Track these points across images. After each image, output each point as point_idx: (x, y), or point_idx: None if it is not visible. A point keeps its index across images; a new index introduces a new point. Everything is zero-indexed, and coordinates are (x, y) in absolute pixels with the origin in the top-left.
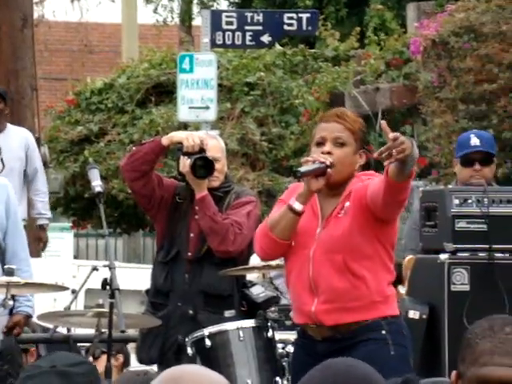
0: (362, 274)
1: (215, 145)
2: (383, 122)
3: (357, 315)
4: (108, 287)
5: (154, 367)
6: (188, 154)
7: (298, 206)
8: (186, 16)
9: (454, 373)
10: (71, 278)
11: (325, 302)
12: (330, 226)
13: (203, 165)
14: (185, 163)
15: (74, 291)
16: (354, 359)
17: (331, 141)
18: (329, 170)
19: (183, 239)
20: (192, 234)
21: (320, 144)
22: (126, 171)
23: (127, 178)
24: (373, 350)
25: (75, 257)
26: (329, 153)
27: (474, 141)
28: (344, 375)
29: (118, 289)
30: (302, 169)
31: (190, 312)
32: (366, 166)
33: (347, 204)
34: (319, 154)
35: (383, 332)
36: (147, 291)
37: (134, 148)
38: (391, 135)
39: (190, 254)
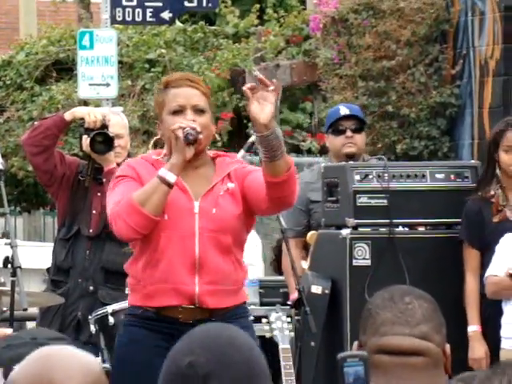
0: (239, 258)
1: (118, 121)
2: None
3: (233, 298)
4: (10, 265)
5: None
6: (89, 130)
7: (171, 178)
8: None
9: (355, 343)
10: None
11: (210, 282)
12: (219, 204)
13: (102, 140)
14: (86, 141)
15: None
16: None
17: (191, 108)
18: (200, 136)
19: (85, 216)
20: (94, 211)
21: (178, 112)
22: (27, 145)
23: (28, 153)
24: None
25: None
26: (193, 121)
27: (344, 110)
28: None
29: (20, 267)
30: (190, 136)
31: (91, 288)
32: None
33: (231, 185)
34: (188, 121)
35: (249, 318)
36: (48, 269)
37: (36, 122)
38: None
39: (91, 230)
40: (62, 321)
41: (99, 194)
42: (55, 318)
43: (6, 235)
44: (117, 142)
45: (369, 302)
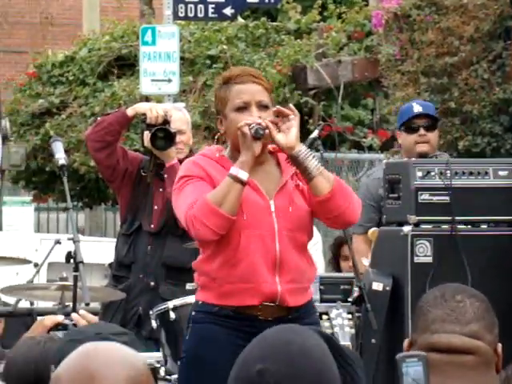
0: (311, 255)
1: (181, 117)
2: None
3: (306, 295)
4: (72, 260)
5: None
6: (151, 126)
7: (243, 175)
8: None
9: (406, 340)
10: (33, 252)
11: (290, 281)
12: (294, 202)
13: (164, 136)
14: (148, 137)
15: (36, 265)
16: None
17: (255, 104)
18: (267, 131)
19: (147, 212)
20: (156, 207)
21: (242, 109)
22: (90, 141)
23: (91, 148)
24: None
25: (36, 230)
26: (259, 118)
27: (417, 108)
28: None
29: (82, 262)
30: (260, 130)
31: (152, 284)
32: (328, 140)
33: (301, 184)
34: (253, 117)
35: (317, 314)
36: (110, 264)
37: (99, 118)
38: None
39: (152, 226)
40: (124, 316)
41: (161, 189)
42: (117, 312)
43: (81, 231)
44: (179, 138)
45: (420, 300)
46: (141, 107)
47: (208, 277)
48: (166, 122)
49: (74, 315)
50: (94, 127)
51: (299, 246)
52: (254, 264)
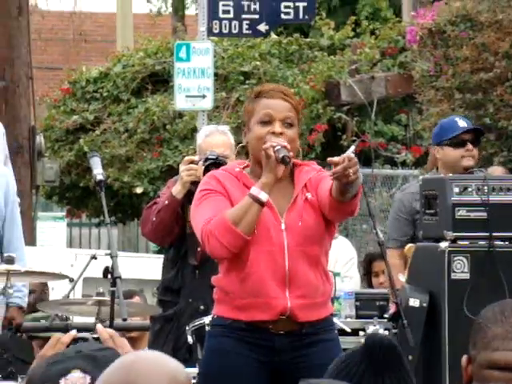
0: (326, 269)
1: (225, 141)
2: (330, 159)
3: (322, 311)
4: (109, 275)
5: None
6: (205, 160)
7: (264, 197)
8: (179, 5)
9: (464, 357)
10: (69, 267)
11: (301, 296)
12: (303, 217)
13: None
14: (201, 169)
15: (71, 280)
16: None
17: (280, 120)
18: (291, 154)
19: (193, 236)
20: (199, 249)
21: (266, 123)
22: (152, 240)
23: (157, 243)
24: (333, 354)
25: (68, 246)
26: (281, 134)
27: (462, 123)
28: None
29: (120, 277)
30: (287, 159)
31: (202, 308)
32: (360, 156)
33: (309, 195)
34: (278, 138)
35: (336, 332)
36: (158, 288)
37: (153, 219)
38: (344, 156)
39: (199, 249)
40: (176, 342)
41: None
42: (168, 339)
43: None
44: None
45: (479, 316)
46: (183, 183)
47: (222, 291)
48: (219, 158)
49: (98, 327)
50: (150, 227)
51: (311, 260)
52: (263, 279)
